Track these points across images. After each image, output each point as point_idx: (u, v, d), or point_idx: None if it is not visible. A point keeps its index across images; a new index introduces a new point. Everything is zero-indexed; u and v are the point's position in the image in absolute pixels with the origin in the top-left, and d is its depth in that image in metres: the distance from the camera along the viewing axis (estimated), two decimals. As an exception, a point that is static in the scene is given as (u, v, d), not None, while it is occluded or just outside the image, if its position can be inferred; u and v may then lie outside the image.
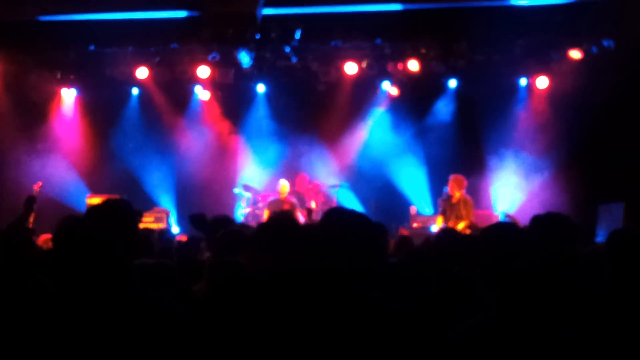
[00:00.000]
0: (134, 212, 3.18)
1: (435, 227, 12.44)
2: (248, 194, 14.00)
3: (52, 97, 15.29)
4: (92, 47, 14.29)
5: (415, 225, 13.35)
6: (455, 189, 12.24)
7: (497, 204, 14.02)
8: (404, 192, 14.75)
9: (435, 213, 13.71)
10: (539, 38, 13.34)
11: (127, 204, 3.19)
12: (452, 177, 12.36)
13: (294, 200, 13.33)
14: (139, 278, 3.46)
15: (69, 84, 15.27)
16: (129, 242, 3.04)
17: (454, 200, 12.28)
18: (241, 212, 13.85)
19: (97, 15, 12.42)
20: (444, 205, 12.47)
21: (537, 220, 4.29)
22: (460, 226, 11.77)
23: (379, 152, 14.87)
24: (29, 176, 13.57)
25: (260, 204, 13.88)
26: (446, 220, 12.27)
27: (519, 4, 11.61)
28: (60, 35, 13.20)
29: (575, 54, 13.36)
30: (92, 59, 14.56)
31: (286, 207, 13.10)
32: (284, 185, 13.36)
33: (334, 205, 13.86)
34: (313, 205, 13.49)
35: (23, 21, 12.79)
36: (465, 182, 12.30)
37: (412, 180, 14.77)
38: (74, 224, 3.23)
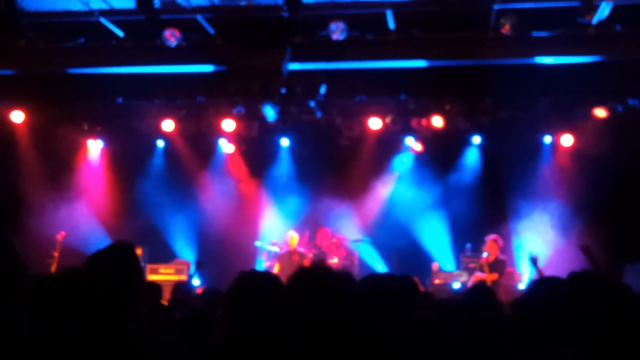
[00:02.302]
0: (134, 256, 3.15)
1: (458, 283, 12.40)
2: (270, 248, 13.96)
3: (78, 148, 15.49)
4: (119, 100, 14.51)
5: (437, 281, 13.24)
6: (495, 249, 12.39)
7: (520, 262, 13.86)
8: (426, 248, 14.63)
9: (458, 269, 13.63)
10: (564, 96, 13.34)
11: (127, 248, 3.16)
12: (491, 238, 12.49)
13: (303, 251, 13.34)
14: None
15: (95, 136, 15.48)
16: (132, 286, 2.99)
17: (490, 260, 12.30)
18: (262, 266, 13.81)
19: (125, 69, 12.62)
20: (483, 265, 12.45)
21: (574, 277, 4.23)
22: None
23: (401, 207, 14.83)
24: (54, 225, 13.68)
25: (282, 258, 13.85)
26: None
27: (543, 62, 11.64)
28: (88, 87, 13.42)
29: (600, 113, 13.33)
30: (119, 111, 14.79)
31: (295, 258, 13.11)
32: (293, 237, 13.43)
33: (355, 260, 13.81)
34: (335, 260, 13.45)
35: (52, 73, 13.03)
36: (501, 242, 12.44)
37: (434, 237, 14.66)
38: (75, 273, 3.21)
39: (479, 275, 12.16)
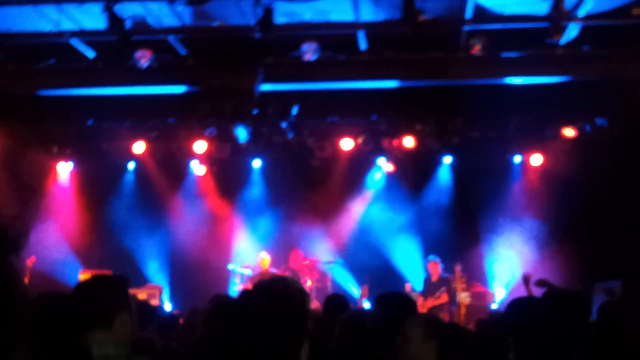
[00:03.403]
0: (124, 289, 3.09)
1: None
2: (243, 271, 13.86)
3: (47, 171, 15.29)
4: (90, 121, 14.39)
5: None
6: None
7: (492, 281, 13.93)
8: (399, 268, 14.63)
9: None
10: (533, 116, 13.52)
11: (116, 280, 3.11)
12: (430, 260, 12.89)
13: (275, 272, 13.28)
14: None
15: (65, 158, 15.31)
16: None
17: (433, 280, 12.63)
18: (235, 289, 13.70)
19: (96, 90, 12.53)
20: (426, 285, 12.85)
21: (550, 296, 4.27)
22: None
23: (374, 228, 14.84)
24: (23, 250, 13.42)
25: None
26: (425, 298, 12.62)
27: (513, 82, 11.78)
28: (59, 109, 13.29)
29: (569, 132, 13.52)
30: (89, 133, 14.67)
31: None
32: (264, 258, 13.40)
33: (328, 282, 13.76)
34: (308, 282, 13.39)
35: (21, 95, 12.88)
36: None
37: (407, 257, 14.68)
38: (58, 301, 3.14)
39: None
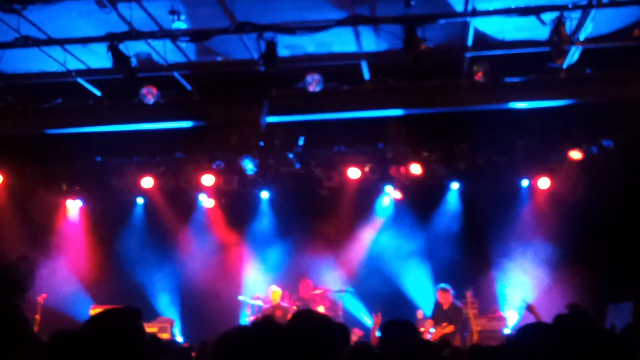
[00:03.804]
0: (136, 323, 3.10)
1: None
2: (254, 302, 13.84)
3: (57, 209, 15.37)
4: (98, 158, 14.49)
5: (422, 329, 13.16)
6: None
7: (504, 305, 13.85)
8: (410, 295, 14.57)
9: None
10: (539, 140, 13.53)
11: (129, 314, 3.11)
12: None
13: (286, 305, 13.26)
14: None
15: (74, 195, 15.40)
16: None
17: (445, 308, 12.53)
18: (246, 320, 13.67)
19: (103, 128, 12.64)
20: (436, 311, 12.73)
21: (560, 319, 4.25)
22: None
23: (384, 255, 14.80)
24: (34, 287, 13.45)
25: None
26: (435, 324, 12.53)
27: (517, 107, 11.81)
28: (66, 147, 13.40)
29: (575, 155, 13.50)
30: (97, 169, 14.77)
31: (279, 313, 13.01)
32: (275, 291, 13.38)
33: (340, 311, 13.72)
34: (321, 310, 13.34)
35: (29, 134, 13.01)
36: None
37: (418, 284, 14.62)
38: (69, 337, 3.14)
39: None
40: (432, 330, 12.40)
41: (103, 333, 2.99)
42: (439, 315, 12.62)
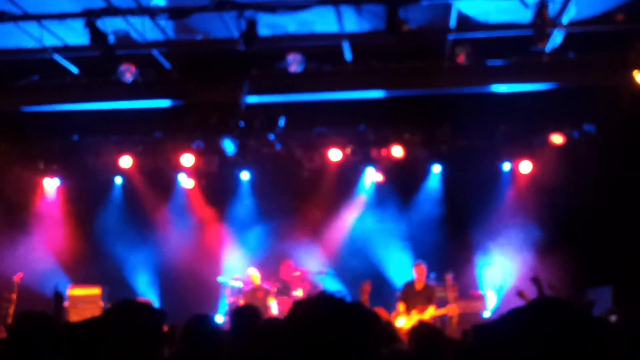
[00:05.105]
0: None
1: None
2: (233, 283, 13.77)
3: (34, 187, 15.18)
4: (75, 137, 14.31)
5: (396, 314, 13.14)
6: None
7: (484, 288, 13.87)
8: (391, 278, 14.57)
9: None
10: (521, 123, 13.51)
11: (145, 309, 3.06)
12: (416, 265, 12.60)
13: (267, 287, 13.21)
14: None
15: (51, 174, 15.21)
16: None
17: (417, 288, 12.36)
18: (225, 301, 13.61)
19: (81, 105, 12.46)
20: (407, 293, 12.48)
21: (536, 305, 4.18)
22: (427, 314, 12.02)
23: (365, 237, 14.77)
24: (10, 267, 13.36)
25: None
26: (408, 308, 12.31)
27: (499, 90, 11.76)
28: (43, 125, 13.22)
29: (557, 139, 13.51)
30: (75, 148, 14.59)
31: (260, 295, 12.98)
32: (253, 274, 13.32)
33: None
34: (300, 293, 13.30)
35: (6, 112, 12.80)
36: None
37: (399, 266, 14.61)
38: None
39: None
40: (404, 317, 12.22)
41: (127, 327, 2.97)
42: (411, 297, 12.38)
